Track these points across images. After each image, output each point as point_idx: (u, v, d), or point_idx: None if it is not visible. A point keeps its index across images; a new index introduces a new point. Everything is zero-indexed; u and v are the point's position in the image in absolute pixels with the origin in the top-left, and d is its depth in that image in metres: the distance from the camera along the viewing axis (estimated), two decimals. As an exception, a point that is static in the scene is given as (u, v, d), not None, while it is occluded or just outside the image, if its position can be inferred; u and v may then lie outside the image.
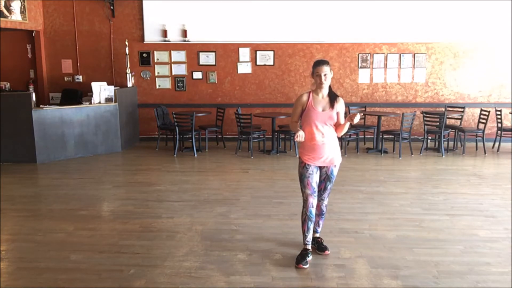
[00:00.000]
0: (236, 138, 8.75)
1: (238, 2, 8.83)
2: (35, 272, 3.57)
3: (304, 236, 3.70)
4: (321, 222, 3.89)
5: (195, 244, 4.10)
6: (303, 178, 3.64)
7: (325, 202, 3.82)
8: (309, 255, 3.67)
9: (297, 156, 3.69)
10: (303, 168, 3.64)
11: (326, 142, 3.57)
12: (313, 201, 3.64)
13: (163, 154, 8.24)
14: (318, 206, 3.77)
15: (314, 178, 3.62)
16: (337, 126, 3.65)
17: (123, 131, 8.45)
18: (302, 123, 3.65)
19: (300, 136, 3.42)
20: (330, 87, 3.63)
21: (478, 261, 3.70)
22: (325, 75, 3.51)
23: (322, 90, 3.58)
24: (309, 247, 3.72)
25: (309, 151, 3.60)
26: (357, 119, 3.41)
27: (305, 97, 3.61)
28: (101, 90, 8.03)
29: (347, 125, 3.62)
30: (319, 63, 3.53)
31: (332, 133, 3.62)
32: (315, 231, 3.87)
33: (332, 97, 3.61)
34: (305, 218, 3.66)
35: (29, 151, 7.38)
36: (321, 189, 3.72)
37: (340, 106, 3.63)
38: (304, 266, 3.56)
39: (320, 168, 3.66)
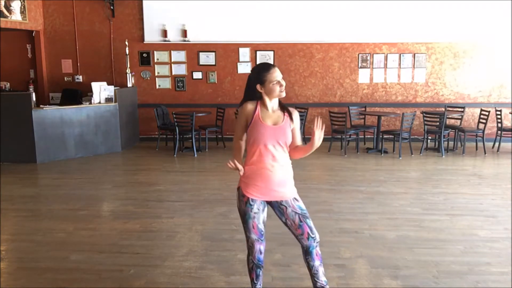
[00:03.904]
0: (236, 138, 8.73)
1: (238, 2, 8.83)
2: (35, 272, 3.57)
3: (253, 284, 2.97)
4: (321, 269, 2.89)
5: (195, 244, 4.10)
6: (246, 218, 2.81)
7: (317, 239, 2.85)
8: None
9: (237, 186, 2.90)
10: (245, 205, 2.79)
11: (277, 168, 2.74)
12: (260, 247, 2.88)
13: (163, 154, 8.24)
14: (317, 254, 2.85)
15: (261, 218, 2.81)
16: (292, 148, 2.81)
17: (123, 131, 8.44)
18: (247, 141, 2.82)
19: (240, 170, 2.76)
20: (279, 101, 2.84)
21: (478, 261, 3.70)
22: (282, 79, 2.76)
23: (271, 101, 2.78)
24: None
25: (254, 179, 2.75)
26: (318, 137, 2.65)
27: (250, 106, 2.77)
28: (101, 90, 8.03)
29: (314, 144, 2.67)
30: (270, 67, 2.75)
31: (285, 158, 2.79)
32: (325, 283, 2.91)
33: (285, 109, 2.81)
34: (252, 267, 2.93)
35: (29, 151, 7.38)
36: (308, 234, 2.79)
37: (295, 120, 2.80)
38: None
39: (280, 212, 2.81)
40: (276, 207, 2.83)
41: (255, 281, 2.97)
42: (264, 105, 2.79)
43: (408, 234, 4.31)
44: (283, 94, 2.76)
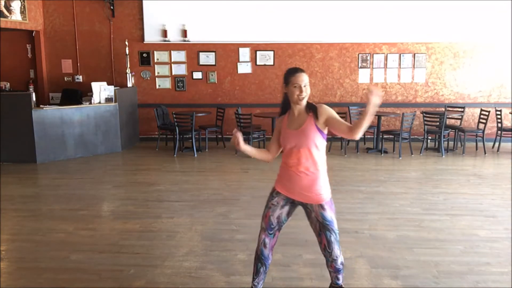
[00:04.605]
0: (236, 138, 8.72)
1: (238, 2, 8.83)
2: (35, 272, 3.57)
3: (252, 279, 2.98)
4: (340, 277, 2.99)
5: (195, 244, 4.10)
6: (265, 206, 2.91)
7: (340, 260, 2.87)
8: None
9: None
10: (270, 194, 2.91)
11: (303, 172, 2.74)
12: (266, 239, 2.88)
13: (163, 154, 8.24)
14: (332, 266, 2.91)
15: (277, 212, 2.84)
16: (347, 130, 2.66)
17: (123, 131, 8.45)
18: (282, 146, 2.90)
19: (236, 138, 2.72)
20: (310, 104, 2.81)
21: (478, 261, 3.70)
22: (305, 86, 2.71)
23: (297, 108, 2.79)
24: None
25: (283, 177, 2.85)
26: (375, 99, 2.47)
27: (280, 121, 2.88)
28: (101, 90, 8.03)
29: (368, 118, 2.52)
30: (298, 70, 2.74)
31: (313, 163, 2.74)
32: (335, 284, 3.03)
33: (311, 109, 2.76)
34: (255, 257, 2.94)
35: (29, 151, 7.38)
36: (325, 246, 2.81)
37: (321, 115, 2.71)
38: None
39: (306, 213, 2.85)
40: (304, 207, 2.86)
41: (254, 276, 2.96)
42: (291, 109, 2.83)
43: (408, 234, 4.31)
44: (301, 102, 2.73)
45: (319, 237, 2.82)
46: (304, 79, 2.71)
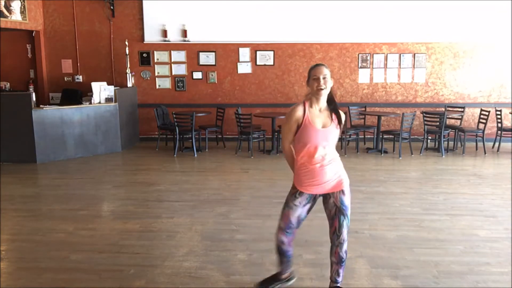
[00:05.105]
0: (236, 138, 8.74)
1: (238, 2, 8.83)
2: (35, 272, 3.57)
3: (278, 266, 3.19)
4: (341, 271, 3.03)
5: (195, 244, 4.10)
6: (285, 206, 2.94)
7: (344, 247, 2.93)
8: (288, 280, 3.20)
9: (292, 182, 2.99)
10: (291, 195, 2.92)
11: (327, 164, 2.83)
12: (284, 238, 2.96)
13: (163, 154, 8.24)
14: (336, 253, 2.94)
15: (297, 213, 2.89)
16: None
17: (123, 131, 8.44)
18: (296, 143, 2.87)
19: None
20: (331, 99, 2.87)
21: (478, 261, 3.70)
22: (324, 78, 2.74)
23: (319, 100, 2.80)
24: (284, 276, 3.21)
25: (306, 176, 2.84)
26: None
27: (300, 111, 2.79)
28: (101, 90, 8.03)
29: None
30: (318, 65, 2.82)
31: (333, 153, 2.88)
32: (334, 281, 3.06)
33: (333, 110, 2.85)
34: (276, 251, 3.08)
35: (29, 151, 7.38)
36: (335, 229, 2.88)
37: (341, 125, 2.89)
38: None
39: (325, 200, 2.93)
40: (324, 196, 2.93)
41: (280, 265, 3.14)
42: (311, 105, 2.82)
43: (408, 234, 4.31)
44: (321, 92, 2.75)
45: (332, 221, 2.90)
46: (323, 71, 2.75)
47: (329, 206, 2.90)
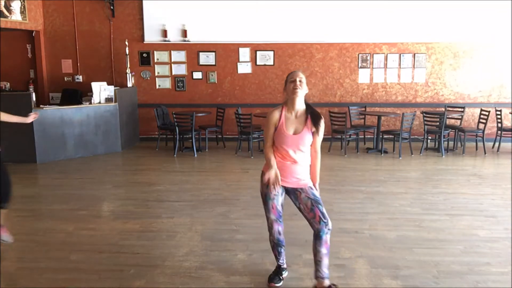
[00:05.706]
0: (236, 138, 8.74)
1: (238, 2, 8.83)
2: (35, 272, 3.58)
3: (277, 259, 3.34)
4: (325, 259, 3.04)
5: (195, 244, 4.10)
6: (267, 200, 3.10)
7: (329, 226, 2.99)
8: (283, 272, 3.37)
9: (261, 171, 3.16)
10: (267, 187, 3.07)
11: (297, 164, 3.05)
12: (279, 227, 3.16)
13: (163, 154, 8.24)
14: (326, 243, 2.99)
15: (280, 201, 3.10)
16: (312, 152, 3.13)
17: (123, 131, 8.44)
18: (274, 141, 3.08)
19: (272, 177, 3.00)
20: (308, 104, 3.05)
21: (478, 261, 3.70)
22: (300, 80, 2.93)
23: (295, 103, 2.97)
24: (284, 266, 3.39)
25: (280, 169, 3.05)
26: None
27: (276, 115, 3.00)
28: (101, 90, 8.03)
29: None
30: (294, 71, 3.04)
31: (304, 157, 3.07)
32: (322, 277, 3.05)
33: (312, 116, 3.01)
34: (273, 246, 3.28)
35: (29, 151, 7.38)
36: (320, 218, 2.96)
37: (320, 131, 3.03)
38: (277, 285, 3.29)
39: (297, 197, 3.08)
40: (292, 192, 3.11)
41: (278, 257, 3.31)
42: (288, 109, 3.03)
43: (408, 234, 4.31)
44: (296, 92, 2.93)
45: (312, 212, 3.01)
46: (299, 75, 2.97)
47: (303, 200, 3.06)
